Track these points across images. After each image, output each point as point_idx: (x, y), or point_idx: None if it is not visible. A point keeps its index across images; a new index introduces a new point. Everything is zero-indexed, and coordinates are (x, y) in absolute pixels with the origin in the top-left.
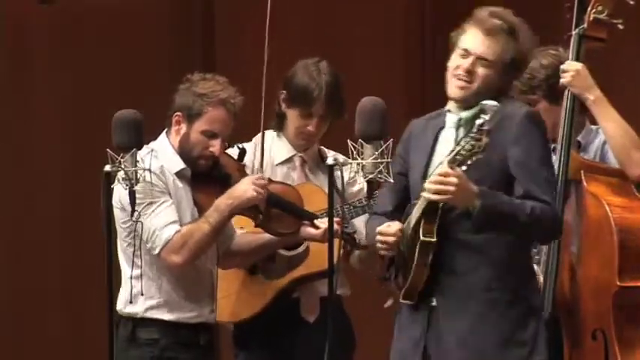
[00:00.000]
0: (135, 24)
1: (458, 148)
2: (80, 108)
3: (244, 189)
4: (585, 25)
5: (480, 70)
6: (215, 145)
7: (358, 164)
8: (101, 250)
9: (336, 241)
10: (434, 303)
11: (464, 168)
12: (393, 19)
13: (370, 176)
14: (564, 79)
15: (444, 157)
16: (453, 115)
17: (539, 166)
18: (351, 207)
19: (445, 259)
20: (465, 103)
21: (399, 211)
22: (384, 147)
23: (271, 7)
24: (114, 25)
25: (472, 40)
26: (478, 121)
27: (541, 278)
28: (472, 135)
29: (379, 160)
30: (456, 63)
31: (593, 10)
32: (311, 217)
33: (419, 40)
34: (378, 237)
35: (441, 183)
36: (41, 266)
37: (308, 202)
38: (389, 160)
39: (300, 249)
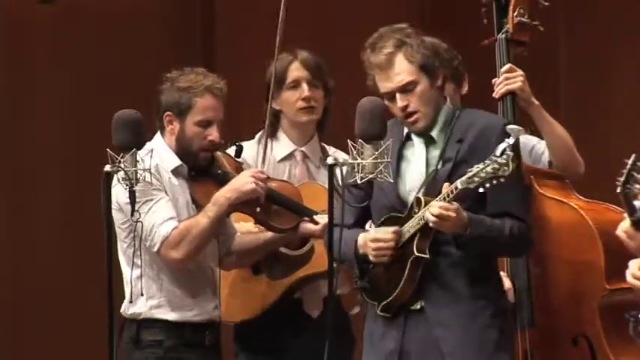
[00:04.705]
0: (135, 24)
1: (476, 169)
2: (80, 108)
3: (243, 182)
4: (510, 29)
5: (412, 97)
6: (212, 133)
7: (358, 164)
8: (101, 251)
9: None
10: (418, 306)
11: (480, 190)
12: (392, 20)
13: (370, 176)
14: (514, 84)
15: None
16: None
17: (516, 181)
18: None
19: (430, 270)
20: (431, 126)
21: (358, 224)
22: (384, 147)
23: (271, 8)
24: (114, 25)
25: (383, 83)
26: (501, 145)
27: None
28: (495, 158)
29: (379, 160)
30: (393, 109)
31: (515, 13)
32: (310, 213)
33: None
34: (373, 244)
35: (444, 215)
36: (41, 266)
37: (312, 202)
38: (389, 160)
39: (305, 249)
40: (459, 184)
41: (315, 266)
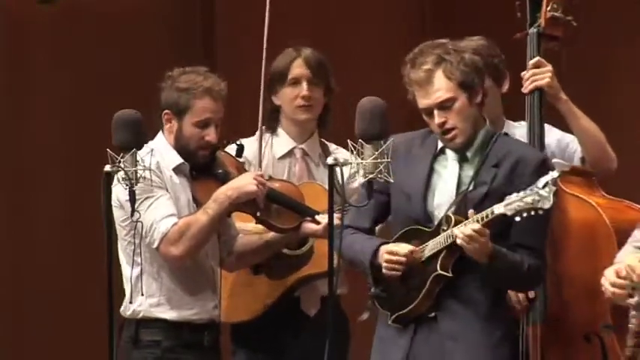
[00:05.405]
0: (135, 24)
1: (515, 197)
2: (80, 108)
3: (245, 182)
4: (542, 24)
5: (450, 114)
6: (210, 134)
7: (358, 164)
8: (101, 250)
9: None
10: (432, 314)
11: (517, 219)
12: (393, 19)
13: (370, 176)
14: (541, 80)
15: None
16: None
17: (544, 215)
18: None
19: (449, 281)
20: (468, 145)
21: (374, 230)
22: (384, 147)
23: (271, 8)
24: (114, 25)
25: (421, 99)
26: (545, 178)
27: None
28: (536, 190)
29: (379, 160)
30: (431, 125)
31: (549, 8)
32: (312, 213)
33: (419, 41)
34: (387, 256)
35: (475, 237)
36: (41, 266)
37: (313, 202)
38: (389, 160)
39: (304, 249)
40: (495, 209)
41: (316, 266)
